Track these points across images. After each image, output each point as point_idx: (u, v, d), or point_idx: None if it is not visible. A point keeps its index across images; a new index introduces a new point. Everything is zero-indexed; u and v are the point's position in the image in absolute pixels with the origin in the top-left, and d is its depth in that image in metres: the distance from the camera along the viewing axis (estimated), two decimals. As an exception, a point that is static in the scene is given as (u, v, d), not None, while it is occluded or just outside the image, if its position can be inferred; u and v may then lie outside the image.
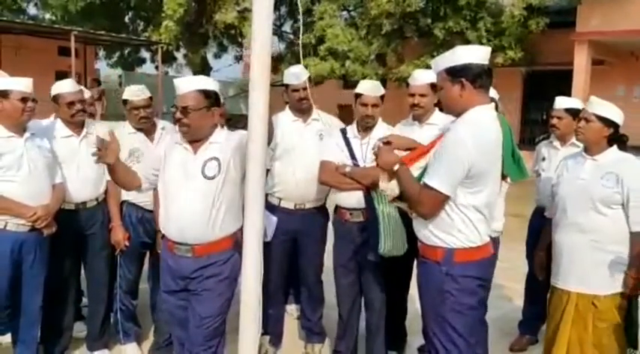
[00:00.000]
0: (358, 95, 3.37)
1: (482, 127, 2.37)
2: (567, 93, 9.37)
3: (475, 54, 2.42)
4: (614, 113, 3.00)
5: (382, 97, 3.39)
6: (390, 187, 2.57)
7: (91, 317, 3.81)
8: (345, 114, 14.28)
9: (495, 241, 3.34)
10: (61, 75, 12.92)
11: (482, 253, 2.48)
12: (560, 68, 13.22)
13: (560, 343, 3.04)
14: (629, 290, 2.90)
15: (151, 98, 3.70)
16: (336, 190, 3.44)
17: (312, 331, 3.96)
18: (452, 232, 2.41)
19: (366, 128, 3.41)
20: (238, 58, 21.86)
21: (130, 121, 3.66)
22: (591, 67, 12.81)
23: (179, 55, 21.51)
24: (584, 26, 12.43)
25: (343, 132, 3.48)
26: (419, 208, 2.44)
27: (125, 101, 3.65)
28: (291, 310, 4.48)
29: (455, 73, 2.39)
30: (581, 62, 12.58)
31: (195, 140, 2.76)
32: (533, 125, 15.40)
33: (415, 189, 2.44)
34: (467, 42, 11.60)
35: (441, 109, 2.97)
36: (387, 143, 2.71)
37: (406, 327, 3.85)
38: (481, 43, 11.17)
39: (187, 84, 2.75)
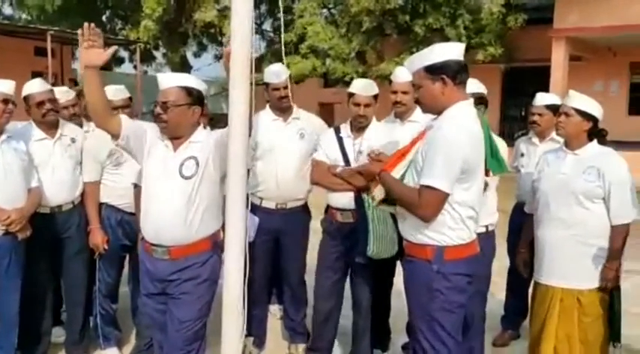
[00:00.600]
0: (351, 95, 3.33)
1: (468, 123, 2.38)
2: (545, 89, 9.44)
3: (453, 51, 2.43)
4: (593, 107, 3.01)
5: (376, 96, 3.35)
6: (376, 192, 2.53)
7: (69, 322, 3.74)
8: (325, 112, 14.31)
9: (491, 235, 3.34)
10: (38, 76, 12.67)
11: (471, 249, 2.47)
12: (538, 64, 13.34)
13: (548, 339, 3.03)
14: (604, 283, 2.92)
15: (130, 98, 3.64)
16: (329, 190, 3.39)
17: (295, 331, 3.93)
18: (442, 230, 2.39)
19: (359, 128, 3.37)
20: (218, 57, 21.65)
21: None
22: (569, 63, 12.94)
23: (158, 55, 21.31)
24: (561, 23, 12.54)
25: (336, 130, 3.45)
26: (420, 211, 2.36)
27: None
28: (274, 310, 4.45)
29: (435, 70, 2.39)
30: (558, 58, 12.70)
31: (175, 138, 2.71)
32: (511, 121, 15.52)
33: (409, 193, 2.39)
34: (446, 39, 11.64)
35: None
36: (378, 161, 2.66)
37: (390, 325, 3.84)
38: (461, 40, 11.22)
39: (170, 79, 2.70)
